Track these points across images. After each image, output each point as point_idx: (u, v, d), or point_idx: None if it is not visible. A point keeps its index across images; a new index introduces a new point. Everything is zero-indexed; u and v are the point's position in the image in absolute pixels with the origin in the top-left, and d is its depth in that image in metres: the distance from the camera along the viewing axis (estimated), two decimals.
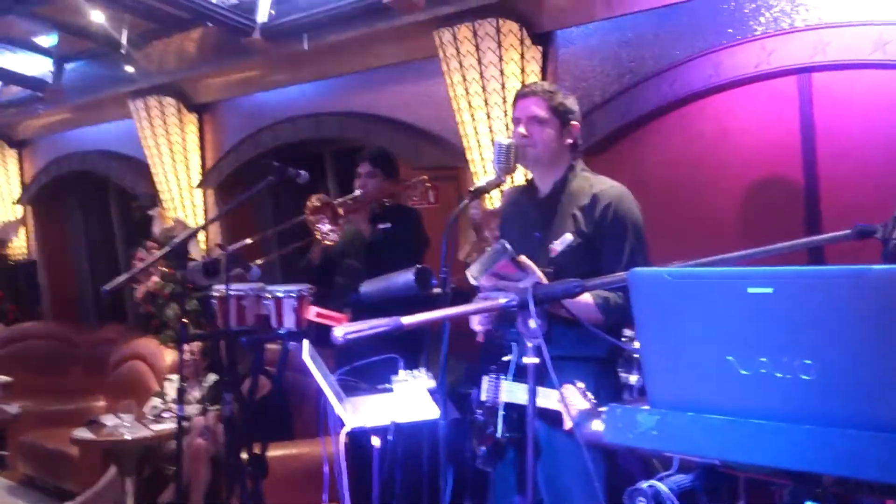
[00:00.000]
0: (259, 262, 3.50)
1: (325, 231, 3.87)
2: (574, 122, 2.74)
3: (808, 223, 3.56)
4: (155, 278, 5.80)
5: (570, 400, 2.31)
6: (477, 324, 2.65)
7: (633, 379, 2.46)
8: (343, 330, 1.58)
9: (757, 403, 1.34)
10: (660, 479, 1.57)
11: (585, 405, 2.25)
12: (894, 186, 2.03)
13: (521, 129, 2.71)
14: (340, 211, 3.91)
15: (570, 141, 2.74)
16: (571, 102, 2.76)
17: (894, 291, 1.20)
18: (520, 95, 2.79)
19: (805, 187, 3.57)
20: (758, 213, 3.72)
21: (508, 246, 2.31)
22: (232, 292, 3.29)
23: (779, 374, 1.31)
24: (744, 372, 1.35)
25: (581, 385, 2.30)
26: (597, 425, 1.78)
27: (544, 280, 2.43)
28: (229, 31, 5.19)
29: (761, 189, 3.72)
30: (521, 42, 4.19)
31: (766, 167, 3.70)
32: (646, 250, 2.66)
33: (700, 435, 1.41)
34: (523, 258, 2.41)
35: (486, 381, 2.65)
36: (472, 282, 2.33)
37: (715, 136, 3.83)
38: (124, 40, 5.73)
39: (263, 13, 5.06)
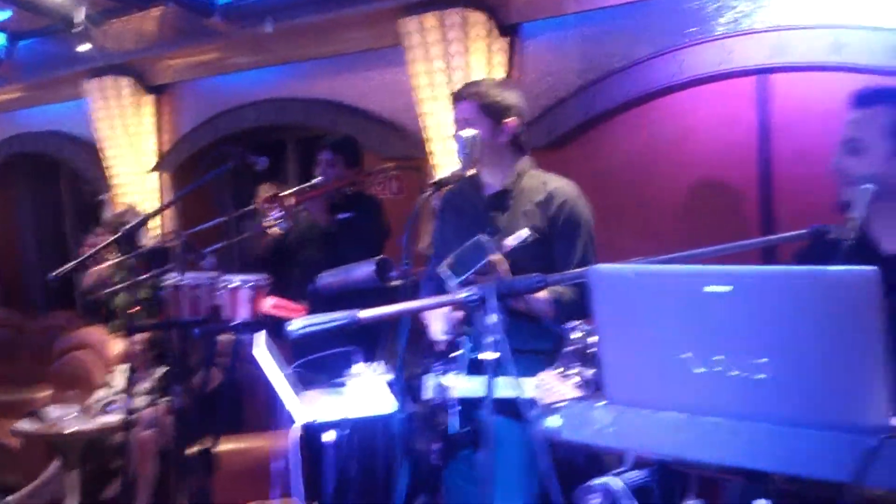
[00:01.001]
0: (212, 248, 3.44)
1: (276, 218, 3.83)
2: (509, 119, 2.73)
3: (763, 222, 3.60)
4: (104, 265, 5.68)
5: (552, 387, 2.31)
6: (441, 334, 2.64)
7: (590, 373, 2.48)
8: (297, 324, 1.55)
9: (712, 401, 1.35)
10: (614, 476, 1.57)
11: (573, 391, 2.25)
12: None
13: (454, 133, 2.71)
14: (291, 200, 3.86)
15: (505, 138, 2.73)
16: (507, 98, 2.73)
17: (849, 293, 1.21)
18: (453, 98, 2.82)
19: (759, 186, 3.62)
20: (715, 210, 3.76)
21: (489, 241, 2.31)
22: (185, 281, 3.23)
23: (734, 373, 1.32)
24: (700, 370, 1.36)
25: (559, 370, 2.31)
26: (553, 420, 1.77)
27: (510, 275, 2.43)
28: (190, 11, 5.09)
29: (719, 187, 3.75)
30: (489, 33, 4.17)
31: (725, 165, 3.74)
32: (595, 249, 2.69)
33: (656, 432, 1.41)
34: (496, 256, 2.41)
35: (431, 379, 2.64)
36: (452, 283, 2.32)
37: (676, 133, 3.86)
38: (81, 18, 5.59)
39: None
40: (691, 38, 3.72)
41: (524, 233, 2.64)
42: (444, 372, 2.63)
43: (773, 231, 3.59)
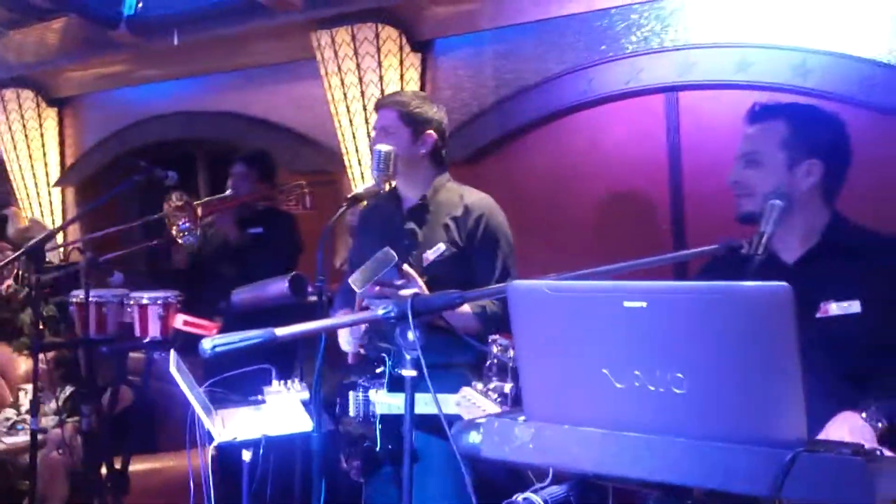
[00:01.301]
0: (113, 256, 3.33)
1: (184, 229, 3.74)
2: (429, 132, 2.74)
3: (675, 236, 3.69)
4: (9, 282, 5.46)
5: (474, 402, 2.30)
6: (346, 344, 2.61)
7: (508, 387, 2.49)
8: (211, 342, 1.50)
9: (631, 416, 1.36)
10: (534, 492, 1.57)
11: (492, 406, 2.26)
12: None
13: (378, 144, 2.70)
14: (199, 211, 3.78)
15: (424, 150, 2.74)
16: (428, 111, 2.75)
17: (762, 308, 1.23)
18: (375, 107, 2.83)
19: (671, 202, 3.70)
20: (628, 225, 3.83)
21: (393, 254, 2.29)
22: (92, 298, 3.13)
23: (652, 388, 1.33)
24: (618, 385, 1.37)
25: (480, 386, 2.31)
26: (473, 437, 1.77)
27: (425, 289, 2.42)
28: (94, 23, 4.95)
29: (631, 203, 3.83)
30: (401, 49, 4.17)
31: (636, 182, 3.81)
32: (515, 262, 2.72)
33: (575, 448, 1.42)
34: (406, 267, 2.40)
35: (353, 396, 2.61)
36: (356, 290, 2.30)
37: (587, 149, 3.93)
38: None
39: (130, 5, 4.84)
40: (601, 56, 3.80)
41: (441, 247, 2.65)
42: (367, 388, 2.60)
43: (685, 245, 3.67)
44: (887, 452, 1.70)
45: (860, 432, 1.78)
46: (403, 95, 2.82)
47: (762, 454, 1.22)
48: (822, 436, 1.79)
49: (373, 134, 2.81)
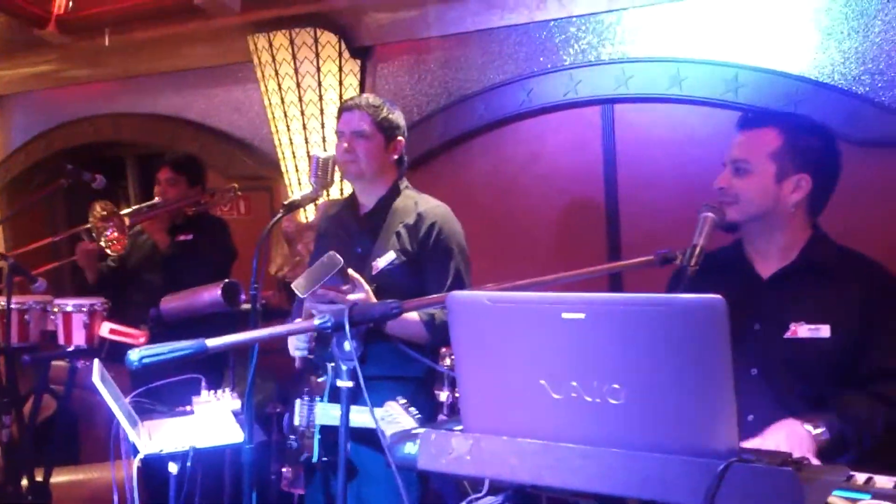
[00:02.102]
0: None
1: (112, 239, 3.64)
2: (399, 138, 2.72)
3: (610, 247, 3.73)
4: None
5: (395, 417, 2.28)
6: (295, 350, 2.57)
7: (444, 396, 2.48)
8: (139, 354, 1.44)
9: (568, 427, 1.36)
10: (469, 503, 1.56)
11: (411, 422, 2.23)
12: (689, 216, 2.18)
13: (345, 144, 2.66)
14: (126, 220, 3.69)
15: (395, 156, 2.72)
16: (397, 117, 2.74)
17: (697, 321, 1.24)
18: (344, 108, 2.75)
19: (607, 213, 3.75)
20: (565, 235, 3.86)
21: (339, 258, 2.25)
22: (14, 305, 3.01)
23: (589, 399, 1.33)
24: (556, 396, 1.36)
25: (403, 401, 2.28)
26: (410, 448, 1.75)
27: (371, 296, 2.39)
28: (21, 21, 4.78)
29: (568, 213, 3.86)
30: (340, 54, 4.13)
31: (573, 192, 3.85)
32: (469, 270, 2.68)
33: (513, 459, 1.41)
34: (352, 272, 2.36)
35: (298, 405, 2.57)
36: (299, 294, 2.25)
37: (526, 159, 3.95)
38: None
39: (60, 4, 4.70)
40: (540, 67, 3.83)
41: (391, 255, 2.62)
42: (312, 398, 2.56)
43: (620, 255, 3.72)
44: (814, 461, 1.74)
45: (797, 439, 1.80)
46: (375, 99, 2.73)
47: (696, 465, 1.23)
48: (759, 440, 1.81)
49: (339, 135, 2.71)
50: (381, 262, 2.61)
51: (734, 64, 3.41)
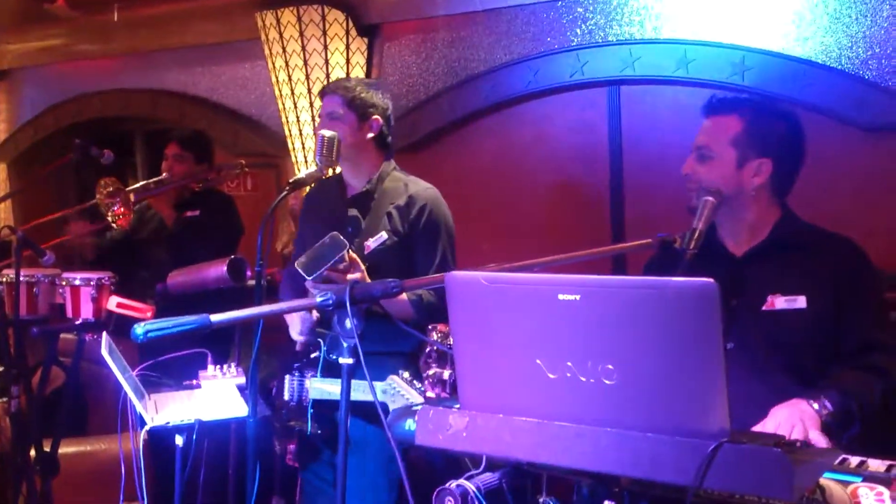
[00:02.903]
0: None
1: (118, 214, 3.68)
2: (376, 116, 2.74)
3: (614, 229, 3.74)
4: None
5: (399, 391, 2.32)
6: (297, 335, 2.61)
7: (447, 374, 2.51)
8: (144, 328, 1.47)
9: (563, 407, 1.38)
10: (468, 478, 1.59)
11: (416, 396, 2.28)
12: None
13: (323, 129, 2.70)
14: (131, 197, 3.72)
15: (370, 135, 2.73)
16: (374, 97, 2.75)
17: (689, 303, 1.26)
18: (320, 93, 2.82)
19: (611, 195, 3.76)
20: (568, 217, 3.87)
21: (344, 240, 2.29)
22: (23, 278, 3.05)
23: (583, 379, 1.36)
24: (551, 376, 1.39)
25: (406, 375, 2.34)
26: (409, 425, 1.78)
27: (366, 275, 2.43)
28: None
29: (572, 194, 3.87)
30: (347, 33, 4.14)
31: (577, 174, 3.86)
32: (454, 252, 2.74)
33: (508, 437, 1.44)
34: (352, 254, 2.40)
35: (288, 381, 2.61)
36: (306, 277, 2.29)
37: (531, 139, 3.96)
38: None
39: None
40: (547, 47, 3.82)
41: (382, 235, 2.66)
42: (302, 374, 2.60)
43: (624, 237, 3.73)
44: (820, 436, 1.77)
45: (800, 415, 1.83)
46: (349, 81, 2.81)
47: (687, 445, 1.26)
48: (766, 419, 1.85)
49: (318, 120, 2.79)
50: (372, 243, 2.65)
51: (741, 47, 3.40)
